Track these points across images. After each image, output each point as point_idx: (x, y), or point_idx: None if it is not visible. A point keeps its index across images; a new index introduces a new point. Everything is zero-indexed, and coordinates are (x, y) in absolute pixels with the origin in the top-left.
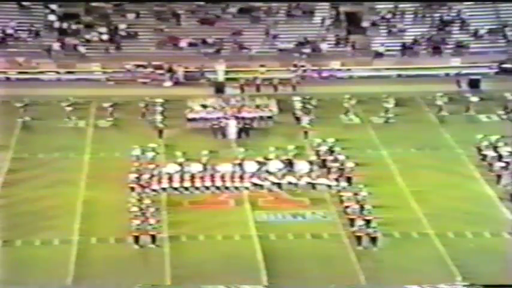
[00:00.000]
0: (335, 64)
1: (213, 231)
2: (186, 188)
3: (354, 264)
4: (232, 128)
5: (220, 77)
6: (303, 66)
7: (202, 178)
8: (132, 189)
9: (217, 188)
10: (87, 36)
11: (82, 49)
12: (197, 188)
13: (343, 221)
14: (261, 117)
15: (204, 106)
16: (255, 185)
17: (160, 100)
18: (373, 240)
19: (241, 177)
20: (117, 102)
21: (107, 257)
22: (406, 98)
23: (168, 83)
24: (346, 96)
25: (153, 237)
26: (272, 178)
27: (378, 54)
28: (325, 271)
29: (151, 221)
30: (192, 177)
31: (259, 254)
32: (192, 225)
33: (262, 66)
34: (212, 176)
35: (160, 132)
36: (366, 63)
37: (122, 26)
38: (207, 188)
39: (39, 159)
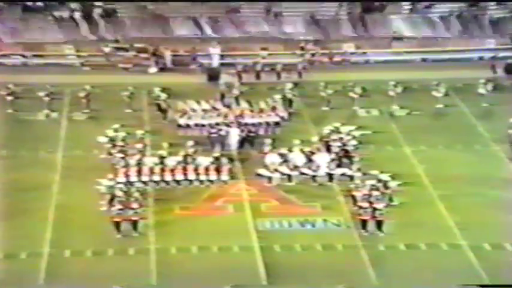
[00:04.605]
0: (348, 47)
1: (208, 242)
2: (167, 182)
3: (372, 281)
4: (234, 137)
5: (215, 62)
6: (311, 49)
7: (184, 170)
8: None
9: (201, 181)
10: (57, 14)
11: (52, 29)
12: (178, 182)
13: (360, 232)
14: (267, 124)
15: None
16: (260, 175)
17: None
18: (379, 224)
19: (230, 170)
20: (95, 91)
21: (82, 274)
22: (432, 86)
23: (153, 69)
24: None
25: (135, 224)
26: (283, 169)
27: (397, 38)
28: None
29: (134, 205)
30: (172, 170)
31: (261, 268)
32: (184, 235)
33: (263, 49)
34: (195, 169)
35: (165, 112)
36: (384, 46)
37: (99, 3)
38: (190, 181)
39: (2, 158)
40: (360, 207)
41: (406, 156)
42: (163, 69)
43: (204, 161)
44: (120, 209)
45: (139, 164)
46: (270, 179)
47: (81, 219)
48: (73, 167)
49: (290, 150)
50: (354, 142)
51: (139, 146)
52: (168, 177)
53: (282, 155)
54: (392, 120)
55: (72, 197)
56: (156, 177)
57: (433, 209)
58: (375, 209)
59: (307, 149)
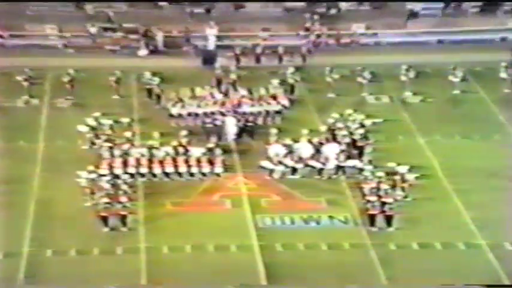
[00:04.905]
0: (358, 27)
1: (203, 240)
2: (154, 175)
3: (382, 283)
4: (231, 127)
5: (211, 44)
6: (316, 30)
7: (174, 161)
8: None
9: (191, 174)
10: None
11: (32, 8)
12: (167, 175)
13: (369, 229)
14: (267, 112)
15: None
16: (263, 168)
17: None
18: (389, 219)
19: (224, 162)
20: (79, 76)
21: (64, 275)
22: (448, 70)
23: (144, 51)
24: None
25: (124, 219)
26: (287, 161)
27: (413, 14)
28: None
29: (122, 198)
30: (161, 162)
31: (261, 269)
32: (176, 233)
33: (264, 30)
34: (186, 161)
35: (158, 98)
36: (397, 26)
37: None
38: (180, 174)
39: None
40: (368, 201)
41: (419, 147)
42: (154, 51)
43: (195, 151)
44: (107, 203)
45: (124, 154)
46: (272, 171)
47: (64, 215)
48: (55, 159)
49: (295, 141)
50: (361, 131)
51: (127, 134)
52: (156, 169)
53: (287, 146)
54: (404, 108)
55: (54, 191)
56: (144, 170)
57: (449, 204)
58: (383, 203)
59: (315, 139)
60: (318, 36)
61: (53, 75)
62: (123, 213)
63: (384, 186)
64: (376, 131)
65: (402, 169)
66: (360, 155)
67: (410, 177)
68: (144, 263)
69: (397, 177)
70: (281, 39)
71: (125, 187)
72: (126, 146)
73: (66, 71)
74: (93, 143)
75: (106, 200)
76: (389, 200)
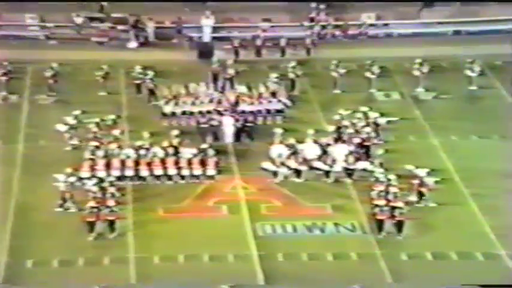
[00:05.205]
0: (367, 17)
1: (198, 250)
2: (143, 178)
3: None
4: (229, 128)
5: (206, 35)
6: (321, 20)
7: (163, 163)
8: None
9: (182, 177)
10: None
11: None
12: (158, 177)
13: (378, 238)
14: (268, 111)
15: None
16: (264, 170)
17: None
18: (399, 226)
19: (217, 163)
20: (63, 70)
21: None
22: (465, 64)
23: (134, 44)
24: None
25: (112, 224)
26: (291, 163)
27: (428, 3)
28: None
29: (110, 202)
30: (149, 163)
31: (260, 281)
32: (168, 242)
33: (265, 20)
34: (176, 162)
35: (152, 93)
36: (410, 16)
37: None
38: (170, 177)
39: None
40: (376, 206)
41: (432, 148)
42: (144, 44)
43: (186, 152)
44: (93, 207)
45: (109, 155)
46: (275, 174)
47: (46, 221)
48: (36, 161)
49: (299, 141)
50: (369, 129)
51: (116, 132)
52: (143, 171)
53: (290, 147)
54: (416, 105)
55: (35, 196)
56: (129, 172)
57: (465, 210)
58: (393, 208)
59: (324, 139)
60: (324, 27)
61: (34, 70)
62: (111, 218)
63: (393, 189)
64: (386, 130)
65: (421, 172)
66: (367, 155)
67: (430, 181)
68: (133, 274)
69: (415, 181)
70: (283, 30)
71: (112, 190)
72: (113, 146)
73: (48, 65)
74: (77, 143)
75: (92, 204)
76: (399, 204)
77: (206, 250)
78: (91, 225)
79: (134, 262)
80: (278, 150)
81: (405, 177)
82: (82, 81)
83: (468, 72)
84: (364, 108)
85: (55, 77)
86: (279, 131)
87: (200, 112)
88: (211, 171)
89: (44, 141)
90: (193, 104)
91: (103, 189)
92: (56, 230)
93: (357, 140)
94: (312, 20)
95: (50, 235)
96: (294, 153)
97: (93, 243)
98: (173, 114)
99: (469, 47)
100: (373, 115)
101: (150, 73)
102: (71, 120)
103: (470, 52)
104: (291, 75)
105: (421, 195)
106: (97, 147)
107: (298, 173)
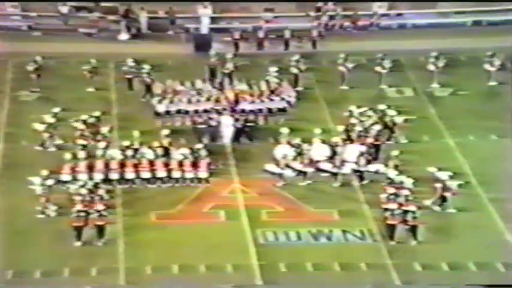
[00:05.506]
0: (379, 7)
1: (193, 259)
2: (130, 181)
3: None
4: (228, 128)
5: (204, 26)
6: (329, 10)
7: (151, 165)
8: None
9: (173, 180)
10: None
11: None
12: (148, 181)
13: (390, 246)
14: (270, 110)
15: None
16: (267, 172)
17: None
18: (413, 231)
19: (209, 165)
20: (47, 64)
21: None
22: (485, 58)
23: (125, 36)
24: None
25: (101, 230)
26: (296, 165)
27: None
28: None
29: (99, 206)
30: (136, 165)
31: None
32: (161, 251)
33: (267, 10)
34: (166, 164)
35: (148, 89)
36: (425, 5)
37: None
38: (161, 180)
39: None
40: (386, 210)
41: (448, 149)
42: (137, 35)
43: (176, 153)
44: (80, 211)
45: (90, 157)
46: (280, 176)
47: (27, 228)
48: (17, 162)
49: (304, 141)
50: (378, 127)
51: (104, 130)
52: (129, 174)
53: (296, 147)
54: (431, 103)
55: (15, 200)
56: (114, 175)
57: (484, 216)
58: (405, 212)
59: (335, 139)
60: (331, 17)
61: (16, 63)
62: (100, 223)
63: (405, 191)
64: (403, 129)
65: (444, 175)
66: (375, 155)
67: (453, 185)
68: (123, 286)
69: (438, 185)
70: (287, 21)
71: (101, 192)
72: (102, 145)
73: (31, 58)
74: (58, 143)
75: (80, 207)
76: (412, 207)
77: (202, 260)
78: (78, 231)
79: (124, 273)
80: (283, 150)
81: (422, 180)
82: (68, 76)
83: (488, 67)
84: (382, 106)
85: (38, 71)
86: (285, 130)
87: (196, 111)
88: (203, 173)
89: (26, 141)
90: (189, 102)
91: (91, 192)
92: (39, 237)
93: (370, 140)
94: (318, 9)
95: (32, 243)
96: (300, 154)
97: (79, 252)
98: (167, 113)
99: (489, 39)
100: (390, 113)
101: (147, 67)
102: (49, 119)
103: (490, 44)
104: (294, 70)
105: (443, 200)
106: (84, 146)
107: (304, 175)
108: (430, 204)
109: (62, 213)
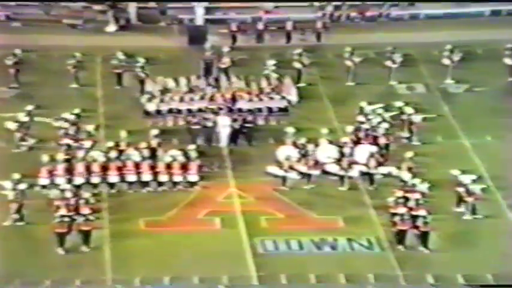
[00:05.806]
0: None
1: (186, 270)
2: (113, 185)
3: None
4: (224, 128)
5: (199, 17)
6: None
7: (137, 167)
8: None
9: (160, 184)
10: None
11: None
12: (131, 184)
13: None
14: (270, 110)
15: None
16: (270, 174)
17: None
18: (423, 237)
19: (200, 167)
20: (27, 58)
21: None
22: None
23: (112, 27)
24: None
25: (86, 236)
26: (300, 167)
27: None
28: None
29: (85, 210)
30: (120, 168)
31: None
32: (151, 261)
33: (267, 0)
34: (152, 167)
35: (142, 83)
36: None
37: None
38: (145, 184)
39: None
40: (394, 215)
41: (463, 151)
42: (126, 27)
43: (164, 155)
44: (64, 216)
45: (69, 160)
46: (284, 179)
47: (5, 236)
48: None
49: (309, 142)
50: (386, 125)
51: (89, 127)
52: (113, 177)
53: (300, 148)
54: (445, 100)
55: None
56: (96, 179)
57: (502, 223)
58: (415, 217)
59: (344, 139)
60: (337, 7)
61: None
62: (85, 228)
63: (415, 195)
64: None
65: (467, 178)
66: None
67: (476, 189)
68: None
69: (461, 189)
70: (289, 11)
71: (87, 195)
72: (88, 144)
73: (10, 51)
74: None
75: (63, 212)
76: (423, 212)
77: (196, 271)
78: (61, 238)
79: (111, 285)
80: (286, 151)
81: (436, 183)
82: (50, 71)
83: (507, 61)
84: (399, 103)
85: (18, 65)
86: (291, 130)
87: (190, 110)
88: (193, 176)
89: (3, 142)
90: (181, 100)
91: (75, 195)
92: (18, 245)
93: (383, 140)
94: None
95: (11, 251)
96: (305, 155)
97: (62, 260)
98: (158, 112)
99: (509, 31)
100: (408, 111)
101: (141, 60)
102: (22, 117)
103: (510, 36)
104: (297, 65)
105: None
106: (69, 146)
107: (308, 178)
108: (464, 211)
109: (38, 220)
